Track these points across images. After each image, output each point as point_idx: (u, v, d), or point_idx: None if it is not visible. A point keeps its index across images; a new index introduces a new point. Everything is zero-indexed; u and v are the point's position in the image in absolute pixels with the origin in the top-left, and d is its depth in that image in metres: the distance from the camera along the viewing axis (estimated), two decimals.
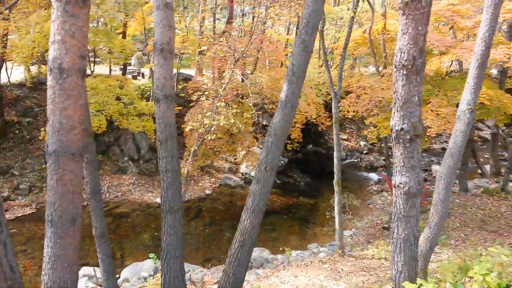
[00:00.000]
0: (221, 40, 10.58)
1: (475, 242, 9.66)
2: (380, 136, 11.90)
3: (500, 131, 19.71)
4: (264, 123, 17.65)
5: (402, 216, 4.10)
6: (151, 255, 9.07)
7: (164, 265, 6.55)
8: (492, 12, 4.91)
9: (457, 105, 10.87)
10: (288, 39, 19.61)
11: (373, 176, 17.67)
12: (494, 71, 14.80)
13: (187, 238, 12.07)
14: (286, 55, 17.49)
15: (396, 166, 4.06)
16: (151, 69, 16.82)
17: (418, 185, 4.01)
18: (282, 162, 16.84)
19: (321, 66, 18.67)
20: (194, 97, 11.12)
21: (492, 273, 3.74)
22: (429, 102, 10.68)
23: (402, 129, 3.89)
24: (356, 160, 19.86)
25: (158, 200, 13.73)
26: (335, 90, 9.52)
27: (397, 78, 3.83)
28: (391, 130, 4.01)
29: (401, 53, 3.73)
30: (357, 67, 21.71)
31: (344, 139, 20.95)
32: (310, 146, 18.45)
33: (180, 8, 21.78)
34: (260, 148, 17.52)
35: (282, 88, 6.97)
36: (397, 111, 3.91)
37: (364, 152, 20.51)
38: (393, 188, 4.16)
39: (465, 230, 10.24)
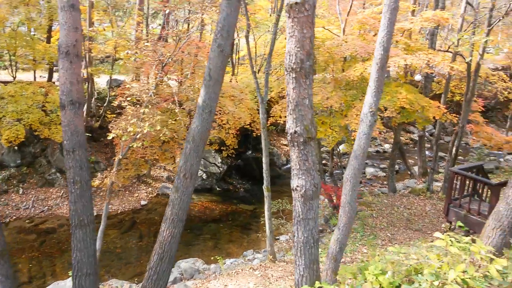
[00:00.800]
0: (146, 44, 10.27)
1: (401, 241, 10.04)
2: None
3: (428, 133, 20.91)
4: None
5: (301, 219, 4.09)
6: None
7: (76, 283, 6.15)
8: (388, 18, 5.09)
9: (378, 109, 11.33)
10: None
11: None
12: (418, 77, 15.64)
13: (118, 253, 11.53)
14: None
15: (293, 169, 4.05)
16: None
17: (314, 187, 4.02)
18: (221, 169, 16.69)
19: (259, 71, 18.81)
20: (125, 104, 10.70)
21: (388, 272, 3.80)
22: (354, 107, 11.01)
23: (295, 132, 3.89)
24: None
25: None
26: (262, 95, 9.55)
27: (288, 81, 3.83)
28: (286, 133, 4.01)
29: (290, 56, 3.73)
30: None
31: (285, 145, 21.19)
32: (250, 152, 18.47)
33: (118, 11, 21.09)
34: None
35: (200, 93, 6.84)
36: (290, 114, 3.90)
37: None
38: (292, 191, 4.14)
39: (392, 230, 10.61)
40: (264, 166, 9.45)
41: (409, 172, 17.00)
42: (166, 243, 6.32)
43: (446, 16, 12.05)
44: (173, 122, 9.90)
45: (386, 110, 10.89)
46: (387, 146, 21.69)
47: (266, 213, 9.42)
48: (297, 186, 4.01)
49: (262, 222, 13.27)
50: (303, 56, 3.67)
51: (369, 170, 17.71)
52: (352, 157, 5.29)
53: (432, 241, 4.56)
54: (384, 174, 17.25)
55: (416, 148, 22.06)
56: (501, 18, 12.20)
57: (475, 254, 3.55)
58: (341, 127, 12.01)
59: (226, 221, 14.16)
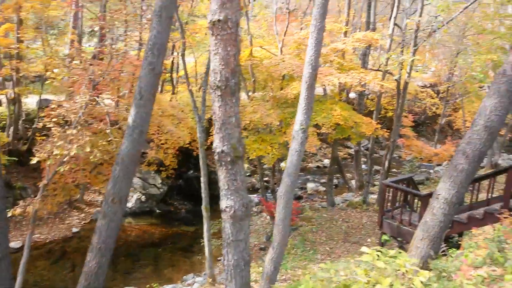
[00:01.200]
0: (75, 63, 9.78)
1: (339, 254, 10.21)
2: (250, 158, 12.11)
3: (364, 148, 21.82)
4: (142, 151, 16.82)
5: (231, 241, 3.95)
6: None
7: None
8: (315, 37, 5.22)
9: (314, 126, 11.64)
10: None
11: (254, 197, 17.97)
12: (352, 95, 16.37)
13: (46, 286, 10.62)
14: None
15: (222, 190, 3.93)
16: (6, 95, 14.95)
17: (244, 207, 3.92)
18: (161, 190, 16.14)
19: (199, 90, 18.65)
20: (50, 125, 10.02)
21: None
22: (292, 124, 11.19)
23: (222, 151, 3.79)
24: None
25: (14, 244, 11.95)
26: (199, 114, 9.41)
27: (214, 99, 3.74)
28: (214, 152, 3.89)
29: (215, 74, 3.65)
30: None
31: None
32: (192, 171, 18.09)
33: (52, 30, 20.02)
34: (138, 177, 16.61)
35: (130, 112, 6.56)
36: (217, 133, 3.80)
37: (247, 174, 20.87)
38: (221, 213, 4.01)
39: (330, 244, 10.78)
40: (203, 186, 9.25)
41: (347, 186, 17.55)
42: (92, 274, 5.89)
43: (376, 37, 12.79)
44: (104, 143, 9.41)
45: (322, 126, 11.20)
46: (326, 161, 22.31)
47: (205, 234, 9.18)
48: (226, 207, 3.89)
49: (204, 244, 12.95)
50: (228, 74, 3.61)
51: (310, 185, 18.05)
52: (285, 175, 5.28)
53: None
54: (325, 188, 17.64)
55: (353, 163, 22.96)
56: (425, 39, 13.14)
57: (400, 267, 3.62)
58: (280, 144, 12.15)
59: (167, 245, 13.63)
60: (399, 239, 9.01)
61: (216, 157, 3.84)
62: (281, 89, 13.22)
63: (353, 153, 23.88)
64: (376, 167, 19.28)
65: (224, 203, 3.91)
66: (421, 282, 3.45)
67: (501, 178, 9.22)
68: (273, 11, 15.78)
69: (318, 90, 19.47)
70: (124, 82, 14.30)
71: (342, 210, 13.49)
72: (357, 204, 13.77)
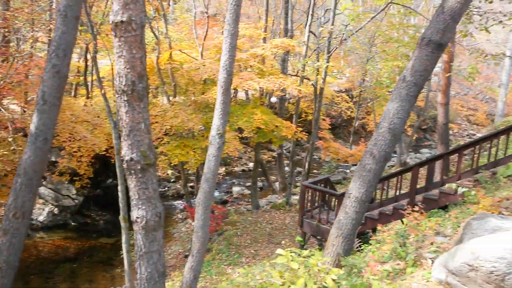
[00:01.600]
0: None
1: (263, 256, 10.34)
2: (172, 164, 11.84)
3: (286, 151, 22.46)
4: (53, 159, 15.58)
5: (143, 253, 3.76)
6: None
7: None
8: (229, 42, 5.22)
9: (236, 130, 11.72)
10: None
11: (178, 204, 17.57)
12: (274, 99, 16.78)
13: None
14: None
15: (132, 200, 3.74)
16: None
17: (157, 217, 3.76)
18: (76, 201, 15.07)
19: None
20: None
21: None
22: None
23: (131, 159, 3.60)
24: (163, 189, 19.47)
25: None
26: (114, 119, 8.94)
27: (120, 104, 3.54)
28: (123, 161, 3.69)
29: (120, 77, 3.46)
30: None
31: None
32: (111, 180, 17.17)
33: None
34: (50, 189, 15.34)
35: (32, 119, 6.03)
36: (125, 140, 3.60)
37: (172, 180, 20.35)
38: (133, 224, 3.81)
39: (255, 246, 10.89)
40: (120, 195, 8.79)
41: (271, 188, 17.92)
42: None
43: (292, 43, 13.23)
44: (6, 152, 8.54)
45: (244, 130, 11.30)
46: (252, 165, 22.58)
47: (124, 246, 8.71)
48: (138, 217, 3.70)
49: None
50: (135, 78, 3.44)
51: (236, 189, 18.13)
52: (203, 180, 5.20)
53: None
54: (250, 192, 17.83)
55: (277, 165, 23.52)
56: (337, 47, 13.89)
57: (313, 266, 3.74)
58: (203, 149, 12.02)
59: (84, 259, 12.75)
60: (318, 237, 9.37)
61: (125, 166, 3.64)
62: (203, 93, 13.11)
63: (276, 156, 24.52)
64: (299, 169, 19.95)
65: (135, 213, 3.71)
66: (333, 279, 3.59)
67: (409, 176, 9.97)
68: (193, 14, 15.62)
69: (241, 95, 19.73)
70: (30, 87, 13.17)
71: (267, 212, 13.72)
72: (281, 206, 14.10)
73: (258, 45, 14.56)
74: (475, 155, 8.36)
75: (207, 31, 14.12)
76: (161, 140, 11.51)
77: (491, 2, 10.63)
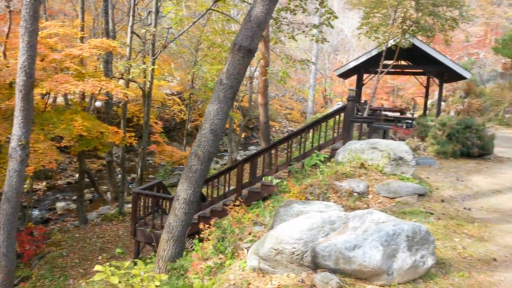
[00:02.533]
0: None
1: (94, 273, 9.54)
2: None
3: (116, 157, 21.31)
4: None
5: None
6: None
7: None
8: (28, 41, 4.62)
9: (52, 139, 10.53)
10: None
11: None
12: (98, 104, 15.66)
13: None
14: None
15: None
16: None
17: None
18: None
19: None
20: None
21: None
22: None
23: None
24: None
25: None
26: None
27: None
28: None
29: None
30: None
31: None
32: None
33: None
34: None
35: None
36: None
37: None
38: None
39: (84, 265, 9.98)
40: None
41: (103, 199, 16.71)
42: None
43: (114, 44, 12.56)
44: None
45: (62, 139, 10.21)
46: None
47: None
48: None
49: None
50: None
51: (60, 205, 16.23)
52: (4, 201, 4.46)
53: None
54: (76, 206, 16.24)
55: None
56: (161, 50, 13.81)
57: (136, 276, 3.60)
58: None
59: None
60: (153, 244, 9.14)
61: None
62: (9, 99, 11.30)
63: (106, 163, 22.99)
64: (133, 175, 19.13)
65: None
66: (156, 286, 3.53)
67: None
68: None
69: (60, 100, 17.75)
70: None
71: (97, 226, 12.71)
72: (113, 217, 13.26)
73: (75, 45, 13.34)
74: (289, 149, 9.46)
75: (9, 28, 12.27)
76: None
77: (295, 14, 12.21)
